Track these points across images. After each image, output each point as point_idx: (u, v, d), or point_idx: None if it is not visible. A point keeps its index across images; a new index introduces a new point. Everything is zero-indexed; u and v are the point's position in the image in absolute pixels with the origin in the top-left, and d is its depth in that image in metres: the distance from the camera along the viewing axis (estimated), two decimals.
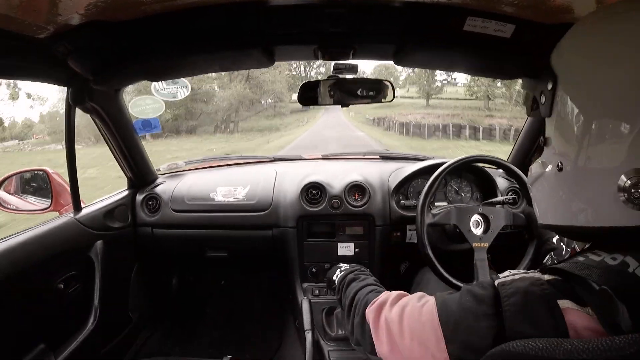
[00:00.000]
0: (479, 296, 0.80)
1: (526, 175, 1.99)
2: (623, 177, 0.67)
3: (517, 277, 0.78)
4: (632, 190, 0.67)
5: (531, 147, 2.24)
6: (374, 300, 1.17)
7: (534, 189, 0.97)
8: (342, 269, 1.67)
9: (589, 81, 0.75)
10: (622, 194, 0.68)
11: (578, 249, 0.90)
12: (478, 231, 1.82)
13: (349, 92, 1.75)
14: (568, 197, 0.81)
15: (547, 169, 0.88)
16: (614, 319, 0.61)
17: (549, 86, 0.84)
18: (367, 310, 1.16)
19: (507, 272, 0.82)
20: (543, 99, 0.88)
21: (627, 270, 0.66)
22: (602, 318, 0.65)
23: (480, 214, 1.84)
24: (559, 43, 0.85)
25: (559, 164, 0.82)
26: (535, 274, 0.77)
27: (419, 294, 1.04)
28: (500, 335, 0.72)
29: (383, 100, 1.78)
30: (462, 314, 0.81)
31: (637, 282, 0.64)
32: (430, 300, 0.94)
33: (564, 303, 0.68)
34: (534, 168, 0.96)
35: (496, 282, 0.79)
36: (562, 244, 1.76)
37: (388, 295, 1.15)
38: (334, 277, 1.67)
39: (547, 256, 1.75)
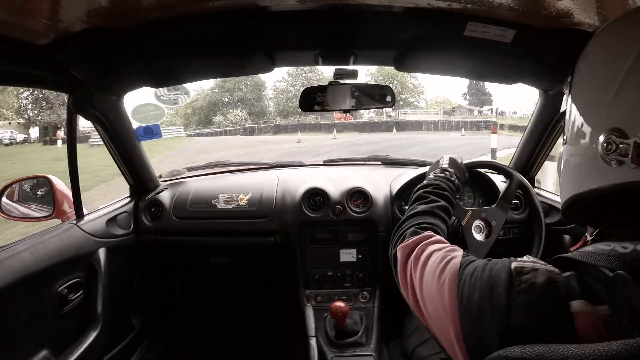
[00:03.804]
0: (495, 279, 0.77)
1: (529, 181, 1.99)
2: (601, 137, 0.73)
3: (537, 267, 0.74)
4: (606, 144, 0.72)
5: (534, 150, 2.21)
6: (409, 239, 1.12)
7: (559, 172, 0.96)
8: (433, 177, 1.55)
9: (591, 57, 0.85)
10: (601, 154, 0.73)
11: (588, 237, 0.89)
12: (480, 237, 1.81)
13: (350, 97, 1.74)
14: (569, 167, 0.86)
15: (561, 148, 0.92)
16: (631, 306, 0.60)
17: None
18: (398, 247, 1.13)
19: (526, 257, 0.79)
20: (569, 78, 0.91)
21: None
22: (617, 308, 0.63)
23: (483, 219, 1.83)
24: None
25: (565, 138, 0.87)
26: (554, 270, 0.73)
27: (448, 247, 0.99)
28: (505, 331, 0.70)
29: (384, 105, 1.78)
30: (479, 299, 0.77)
31: None
32: (456, 265, 0.89)
33: (577, 306, 0.66)
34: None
35: (513, 265, 0.76)
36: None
37: (423, 239, 1.08)
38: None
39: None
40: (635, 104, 0.70)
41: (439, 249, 0.99)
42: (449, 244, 1.02)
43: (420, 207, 1.33)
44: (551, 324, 0.67)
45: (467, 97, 65.62)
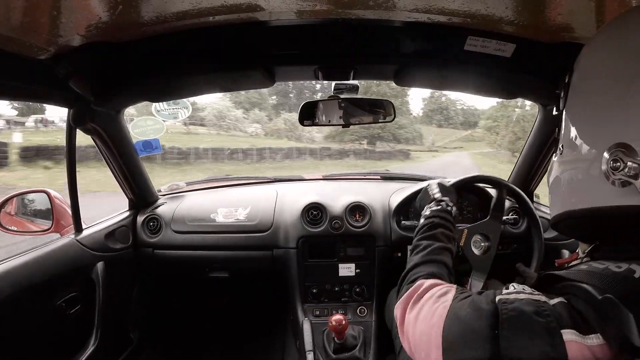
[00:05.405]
0: (479, 311, 0.76)
1: (527, 195, 1.99)
2: (605, 154, 0.69)
3: (521, 297, 0.73)
4: (612, 162, 0.68)
5: (533, 165, 2.23)
6: (406, 291, 1.07)
7: (550, 183, 0.94)
8: (429, 214, 1.48)
9: (587, 65, 0.83)
10: (606, 172, 0.69)
11: (580, 254, 0.88)
12: (479, 252, 1.81)
13: (350, 111, 1.75)
14: (564, 181, 0.83)
15: (554, 158, 0.90)
16: (619, 330, 0.59)
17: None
18: (396, 304, 1.08)
19: (512, 287, 0.77)
20: (566, 79, 0.89)
21: (632, 277, 0.65)
22: (606, 333, 0.63)
23: (481, 234, 1.82)
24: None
25: (560, 148, 0.85)
26: (541, 298, 0.72)
27: (443, 289, 0.95)
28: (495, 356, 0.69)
29: (383, 120, 1.78)
30: (462, 330, 0.77)
31: None
32: (447, 302, 0.88)
33: (568, 335, 0.65)
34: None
35: (497, 298, 0.75)
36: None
37: (417, 288, 1.04)
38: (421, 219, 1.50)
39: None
40: None
41: (433, 294, 0.96)
42: (444, 284, 1.00)
43: (416, 258, 1.29)
44: (542, 352, 0.65)
45: None
